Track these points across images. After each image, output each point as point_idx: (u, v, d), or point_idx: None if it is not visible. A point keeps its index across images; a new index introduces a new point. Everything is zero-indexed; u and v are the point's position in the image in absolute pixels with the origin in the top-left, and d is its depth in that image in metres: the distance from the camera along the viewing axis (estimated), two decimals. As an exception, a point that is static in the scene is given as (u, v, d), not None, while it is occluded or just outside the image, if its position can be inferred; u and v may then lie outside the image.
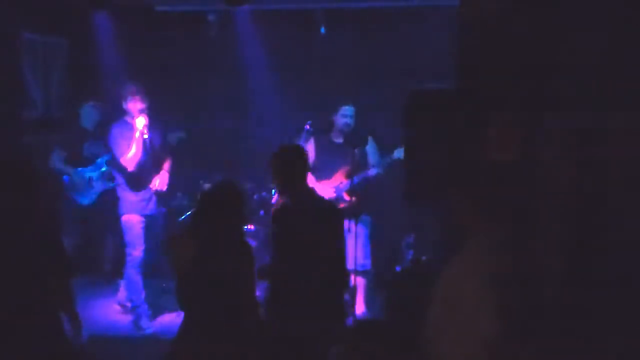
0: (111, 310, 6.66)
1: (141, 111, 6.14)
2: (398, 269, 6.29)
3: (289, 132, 7.10)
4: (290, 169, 4.25)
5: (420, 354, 2.27)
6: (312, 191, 4.37)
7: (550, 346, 2.08)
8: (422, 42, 6.93)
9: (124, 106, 6.20)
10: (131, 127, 6.14)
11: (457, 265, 2.32)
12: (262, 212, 7.04)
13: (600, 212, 2.03)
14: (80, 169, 6.85)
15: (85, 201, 6.88)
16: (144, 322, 6.23)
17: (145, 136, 6.15)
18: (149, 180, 6.32)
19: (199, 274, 3.78)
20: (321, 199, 4.44)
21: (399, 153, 6.04)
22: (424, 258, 6.14)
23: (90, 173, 6.88)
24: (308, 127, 6.44)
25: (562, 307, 2.08)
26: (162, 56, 7.60)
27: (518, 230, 2.14)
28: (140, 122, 6.12)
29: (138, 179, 6.26)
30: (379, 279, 6.68)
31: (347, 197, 6.16)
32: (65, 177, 6.89)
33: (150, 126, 6.19)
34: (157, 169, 6.35)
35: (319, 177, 6.32)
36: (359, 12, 7.55)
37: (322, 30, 7.59)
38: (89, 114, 6.97)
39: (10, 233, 3.61)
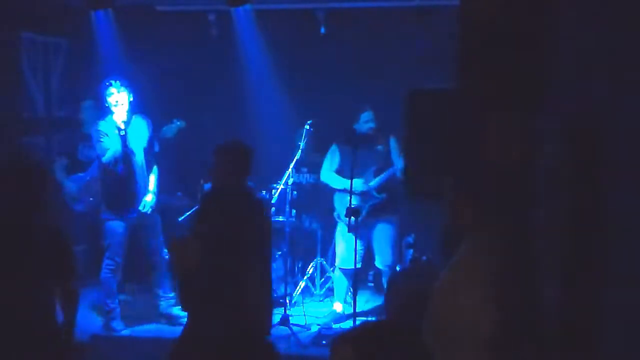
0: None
1: (120, 105, 5.73)
2: (398, 269, 6.29)
3: (289, 132, 7.10)
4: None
5: (419, 354, 2.27)
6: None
7: (549, 346, 2.09)
8: (422, 42, 6.93)
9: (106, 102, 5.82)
10: (112, 125, 5.76)
11: (455, 264, 2.32)
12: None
13: (600, 212, 2.03)
14: (74, 176, 6.67)
15: (79, 208, 6.68)
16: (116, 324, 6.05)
17: (122, 133, 5.67)
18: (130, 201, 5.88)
19: (204, 275, 3.77)
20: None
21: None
22: (424, 258, 6.14)
23: (87, 177, 6.63)
24: (308, 126, 6.44)
25: (562, 307, 2.08)
26: (162, 56, 7.60)
27: (517, 230, 2.14)
28: (118, 117, 5.68)
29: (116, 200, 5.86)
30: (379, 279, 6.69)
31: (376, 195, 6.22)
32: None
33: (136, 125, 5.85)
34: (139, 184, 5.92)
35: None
36: (359, 12, 7.55)
37: (322, 30, 7.58)
38: (87, 114, 6.82)
39: (18, 231, 3.65)
